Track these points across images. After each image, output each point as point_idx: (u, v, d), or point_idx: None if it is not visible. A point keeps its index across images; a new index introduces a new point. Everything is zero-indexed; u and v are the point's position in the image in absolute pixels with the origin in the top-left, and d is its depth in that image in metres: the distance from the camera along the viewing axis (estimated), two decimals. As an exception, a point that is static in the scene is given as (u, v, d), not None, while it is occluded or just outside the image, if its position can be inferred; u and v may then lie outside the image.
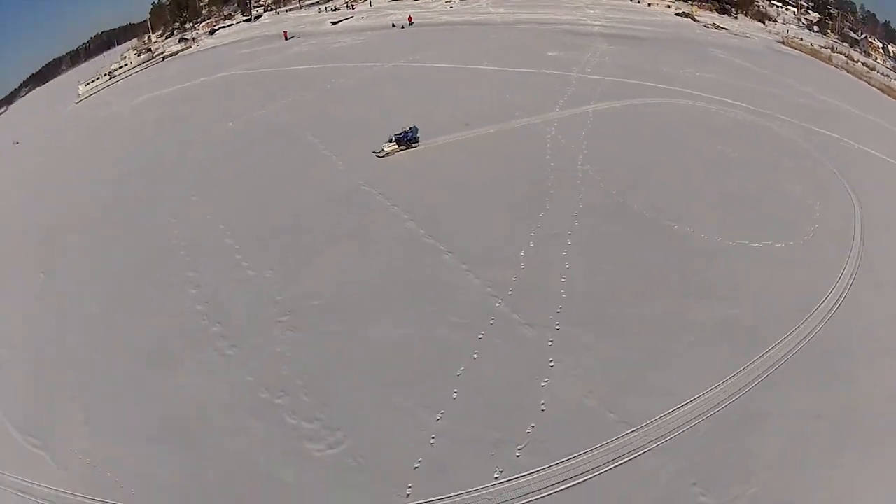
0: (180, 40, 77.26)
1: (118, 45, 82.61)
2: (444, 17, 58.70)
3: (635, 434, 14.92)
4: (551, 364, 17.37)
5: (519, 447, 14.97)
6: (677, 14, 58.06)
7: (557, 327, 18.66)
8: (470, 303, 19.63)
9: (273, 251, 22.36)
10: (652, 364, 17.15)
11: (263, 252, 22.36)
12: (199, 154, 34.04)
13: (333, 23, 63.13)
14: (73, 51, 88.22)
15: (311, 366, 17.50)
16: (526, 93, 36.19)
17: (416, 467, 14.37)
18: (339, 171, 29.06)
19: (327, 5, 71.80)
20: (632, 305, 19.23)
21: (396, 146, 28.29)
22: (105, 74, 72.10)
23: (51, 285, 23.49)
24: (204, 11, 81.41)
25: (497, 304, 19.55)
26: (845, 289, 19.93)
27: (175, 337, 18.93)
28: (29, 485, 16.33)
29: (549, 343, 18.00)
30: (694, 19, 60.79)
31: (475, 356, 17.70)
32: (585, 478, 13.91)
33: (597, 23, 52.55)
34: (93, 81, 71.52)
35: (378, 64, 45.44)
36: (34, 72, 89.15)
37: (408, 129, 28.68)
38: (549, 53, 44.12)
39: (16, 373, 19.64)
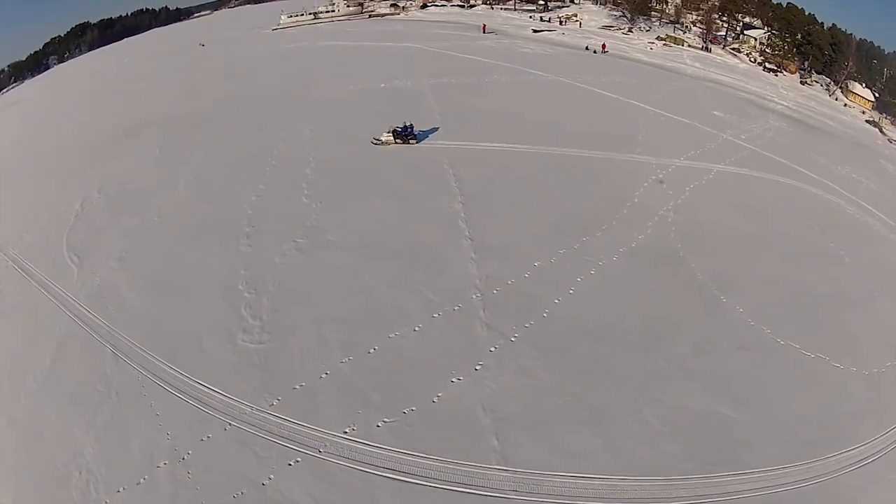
0: (392, 5, 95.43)
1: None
2: (638, 56, 63.80)
3: (502, 474, 16.77)
4: (477, 368, 20.05)
5: (385, 420, 18.39)
6: (867, 121, 55.95)
7: (513, 339, 21.20)
8: (452, 286, 23.95)
9: (335, 189, 32.42)
10: (582, 419, 18.34)
11: (328, 186, 32.73)
12: (334, 99, 47.26)
13: (535, 31, 71.48)
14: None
15: (289, 283, 25.19)
16: (660, 135, 38.77)
17: (301, 386, 19.89)
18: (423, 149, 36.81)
19: (541, 14, 79.14)
20: (612, 352, 20.67)
21: (392, 138, 36.43)
22: (310, 13, 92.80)
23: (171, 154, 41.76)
24: None
25: (473, 296, 23.25)
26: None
27: (217, 222, 30.86)
28: (51, 285, 28.57)
29: (492, 349, 20.55)
30: (882, 131, 57.80)
31: (416, 329, 21.89)
32: (406, 478, 16.80)
33: (783, 103, 56.89)
34: (297, 15, 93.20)
35: (545, 74, 52.77)
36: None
37: (407, 124, 36.53)
38: (714, 112, 45.37)
39: (96, 208, 35.27)
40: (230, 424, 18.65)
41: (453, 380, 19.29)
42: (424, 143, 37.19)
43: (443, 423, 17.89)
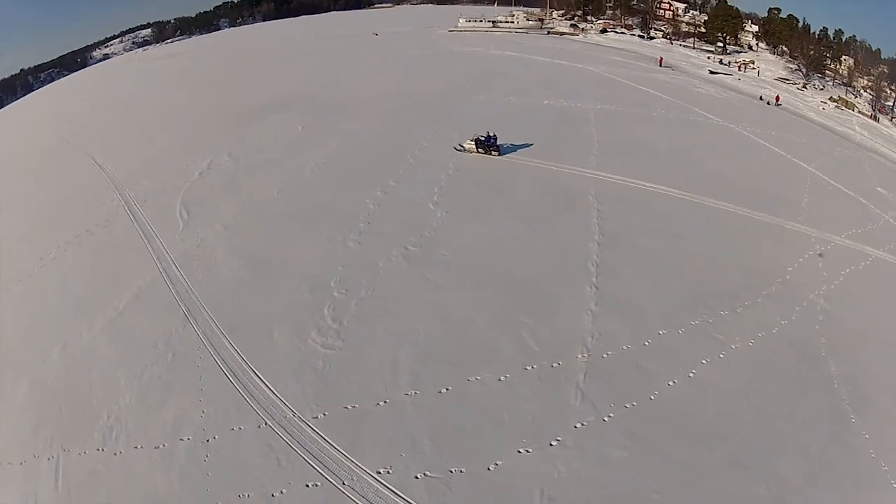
0: (571, 25, 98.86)
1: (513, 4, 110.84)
2: (810, 114, 61.43)
3: None
4: (552, 443, 18.48)
5: (427, 473, 17.34)
6: None
7: (606, 419, 19.23)
8: (558, 338, 22.19)
9: (466, 201, 33.33)
10: None
11: (459, 197, 33.73)
12: (492, 107, 49.59)
13: (711, 72, 72.99)
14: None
15: (383, 291, 25.50)
16: (823, 205, 34.86)
17: (353, 407, 19.78)
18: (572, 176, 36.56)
19: (720, 57, 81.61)
20: (713, 463, 18.12)
21: (475, 146, 38.77)
22: (489, 21, 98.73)
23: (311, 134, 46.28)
24: (608, 12, 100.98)
25: (579, 356, 21.64)
26: None
27: (334, 211, 32.55)
28: (152, 233, 33.02)
29: (577, 425, 19.03)
30: None
31: (502, 378, 20.70)
32: None
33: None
34: (475, 21, 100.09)
35: (714, 118, 50.73)
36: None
37: (490, 134, 38.62)
38: (878, 188, 40.40)
39: (221, 172, 41.62)
40: (265, 423, 19.04)
41: (521, 450, 17.98)
42: (564, 168, 36.79)
43: (489, 496, 16.59)
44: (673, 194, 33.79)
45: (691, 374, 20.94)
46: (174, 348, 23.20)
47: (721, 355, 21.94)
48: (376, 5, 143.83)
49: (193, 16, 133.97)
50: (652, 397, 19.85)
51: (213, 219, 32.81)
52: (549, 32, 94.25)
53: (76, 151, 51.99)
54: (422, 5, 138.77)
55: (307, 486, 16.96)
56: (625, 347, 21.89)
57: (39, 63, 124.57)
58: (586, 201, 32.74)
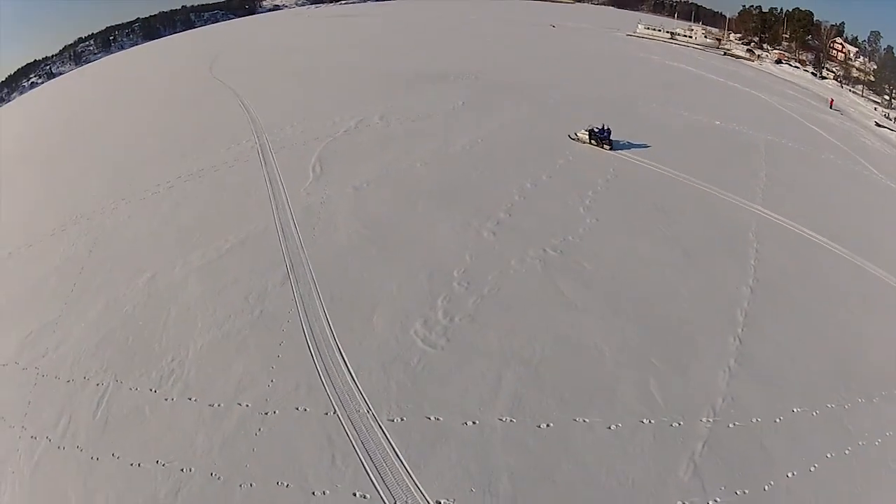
0: (748, 50, 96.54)
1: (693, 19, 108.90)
2: None
3: None
4: None
5: None
6: None
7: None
8: (685, 392, 18.80)
9: (620, 212, 29.62)
10: None
11: (613, 206, 30.03)
12: (658, 119, 45.17)
13: (878, 124, 66.86)
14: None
15: (508, 294, 22.81)
16: None
17: (435, 419, 17.50)
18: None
19: (886, 111, 74.23)
20: None
21: (587, 137, 37.99)
22: (668, 31, 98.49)
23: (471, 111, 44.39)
24: (784, 43, 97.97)
25: (703, 420, 18.06)
26: None
27: (477, 195, 30.48)
28: (295, 181, 32.55)
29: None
30: None
31: (612, 427, 17.56)
32: None
33: None
34: (654, 29, 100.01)
35: (880, 175, 43.77)
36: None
37: (605, 126, 37.79)
38: None
39: (369, 132, 40.19)
40: (333, 412, 17.07)
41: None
42: (728, 196, 32.40)
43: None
44: (835, 250, 28.59)
45: (812, 469, 17.22)
46: (264, 305, 21.96)
47: (847, 451, 17.89)
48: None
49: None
50: (766, 488, 16.37)
51: (346, 178, 31.60)
52: (725, 53, 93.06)
53: (224, 91, 53.72)
54: (601, 6, 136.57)
55: (354, 494, 14.84)
56: (754, 420, 18.29)
57: (204, 3, 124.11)
58: (746, 238, 28.49)
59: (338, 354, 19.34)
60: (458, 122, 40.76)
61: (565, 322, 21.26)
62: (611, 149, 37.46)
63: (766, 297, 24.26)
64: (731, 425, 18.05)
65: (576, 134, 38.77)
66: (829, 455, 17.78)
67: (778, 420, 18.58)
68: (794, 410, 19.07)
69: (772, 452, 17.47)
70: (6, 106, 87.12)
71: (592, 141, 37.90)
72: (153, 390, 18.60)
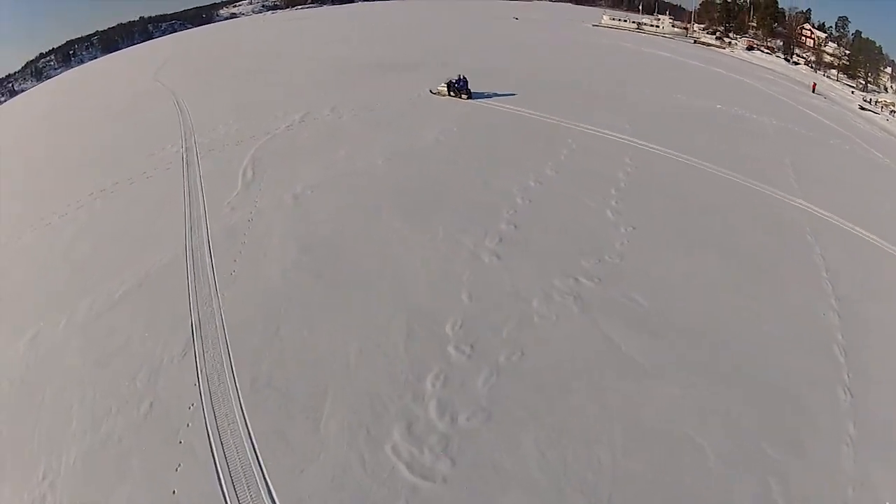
0: (717, 38, 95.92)
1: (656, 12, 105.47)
2: None
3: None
4: None
5: None
6: None
7: None
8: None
9: (656, 217, 21.95)
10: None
11: (646, 208, 22.04)
12: (657, 105, 37.26)
13: (861, 107, 66.69)
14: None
15: (536, 351, 14.59)
16: None
17: None
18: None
19: (864, 94, 75.47)
20: None
21: (446, 90, 35.58)
22: (633, 21, 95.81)
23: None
24: (750, 32, 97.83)
25: None
26: None
27: (463, 200, 21.79)
28: (199, 191, 23.28)
29: None
30: None
31: None
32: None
33: None
34: (619, 20, 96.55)
35: (884, 158, 39.71)
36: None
37: (462, 76, 35.43)
38: None
39: (315, 127, 30.76)
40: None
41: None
42: (766, 189, 25.06)
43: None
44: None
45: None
46: (156, 393, 13.12)
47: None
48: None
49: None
50: None
51: (284, 184, 22.49)
52: (696, 41, 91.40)
53: (163, 94, 43.51)
54: (559, 3, 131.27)
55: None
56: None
57: (162, 13, 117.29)
58: (805, 242, 21.05)
59: (264, 493, 10.63)
60: (428, 112, 31.91)
61: (635, 401, 12.75)
62: (469, 98, 35.02)
63: (856, 324, 16.63)
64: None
65: (436, 88, 36.44)
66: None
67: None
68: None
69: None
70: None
71: (451, 93, 35.72)
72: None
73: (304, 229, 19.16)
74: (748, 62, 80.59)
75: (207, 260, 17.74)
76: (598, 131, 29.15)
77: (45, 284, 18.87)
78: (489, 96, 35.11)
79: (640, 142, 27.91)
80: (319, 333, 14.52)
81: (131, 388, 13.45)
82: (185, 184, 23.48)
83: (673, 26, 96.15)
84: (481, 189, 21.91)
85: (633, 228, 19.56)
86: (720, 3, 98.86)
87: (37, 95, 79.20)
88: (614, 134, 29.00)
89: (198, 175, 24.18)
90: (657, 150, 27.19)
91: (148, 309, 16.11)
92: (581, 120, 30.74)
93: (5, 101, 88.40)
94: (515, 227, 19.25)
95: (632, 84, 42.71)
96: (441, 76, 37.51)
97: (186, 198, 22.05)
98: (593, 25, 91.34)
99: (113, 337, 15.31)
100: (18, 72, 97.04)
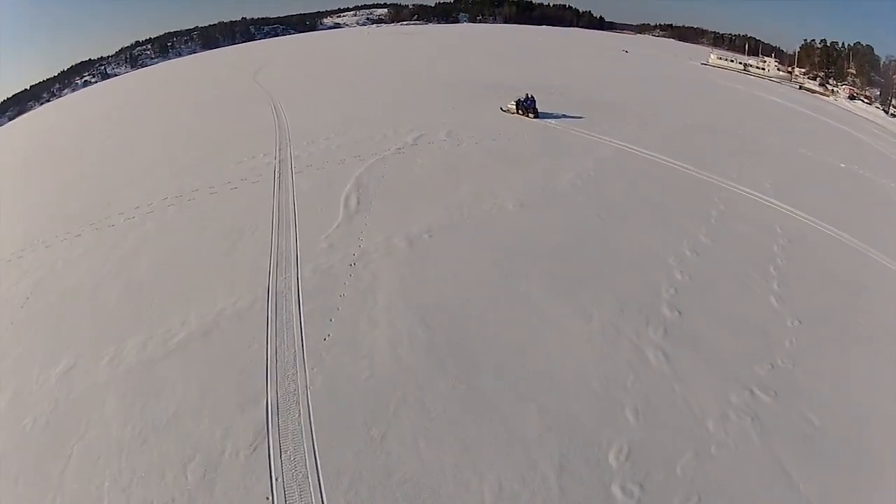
0: (821, 84, 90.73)
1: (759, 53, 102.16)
2: None
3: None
4: None
5: None
6: None
7: None
8: None
9: (823, 307, 16.96)
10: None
11: (811, 296, 17.54)
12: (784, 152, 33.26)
13: None
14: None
15: None
16: None
17: None
18: None
19: None
20: None
21: (515, 108, 35.12)
22: (741, 62, 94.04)
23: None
24: (849, 79, 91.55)
25: None
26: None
27: (610, 277, 17.45)
28: (280, 220, 19.49)
29: None
30: None
31: None
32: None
33: None
34: (726, 60, 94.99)
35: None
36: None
37: (530, 96, 34.88)
38: None
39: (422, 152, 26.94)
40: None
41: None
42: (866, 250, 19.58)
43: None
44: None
45: None
46: (213, 498, 9.40)
47: None
48: (616, 30, 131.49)
49: (433, 5, 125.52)
50: None
51: (395, 222, 18.45)
52: (801, 87, 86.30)
53: (261, 97, 41.18)
54: (662, 38, 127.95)
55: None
56: None
57: (265, 16, 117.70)
58: None
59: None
60: (555, 144, 27.31)
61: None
62: (535, 117, 34.21)
63: None
64: None
65: (506, 106, 36.03)
66: None
67: None
68: None
69: None
70: (49, 104, 78.52)
71: (519, 111, 35.27)
72: None
73: (421, 290, 14.93)
74: (852, 112, 74.54)
75: (295, 312, 13.79)
76: (742, 191, 23.99)
77: (91, 303, 15.70)
78: (569, 117, 32.86)
79: (786, 207, 22.95)
80: (441, 452, 10.24)
81: (180, 481, 9.79)
82: (276, 203, 19.89)
83: (778, 69, 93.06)
84: (633, 254, 17.26)
85: (800, 322, 14.93)
86: (820, 48, 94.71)
87: (130, 81, 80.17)
88: (757, 194, 23.89)
89: (291, 194, 20.60)
90: (804, 219, 22.17)
91: (209, 369, 12.33)
92: (721, 174, 25.65)
93: (96, 82, 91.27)
94: (680, 313, 14.61)
95: (759, 132, 37.76)
96: (561, 106, 34.21)
97: (275, 222, 18.40)
98: (702, 63, 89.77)
99: (161, 399, 11.72)
100: (112, 56, 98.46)
